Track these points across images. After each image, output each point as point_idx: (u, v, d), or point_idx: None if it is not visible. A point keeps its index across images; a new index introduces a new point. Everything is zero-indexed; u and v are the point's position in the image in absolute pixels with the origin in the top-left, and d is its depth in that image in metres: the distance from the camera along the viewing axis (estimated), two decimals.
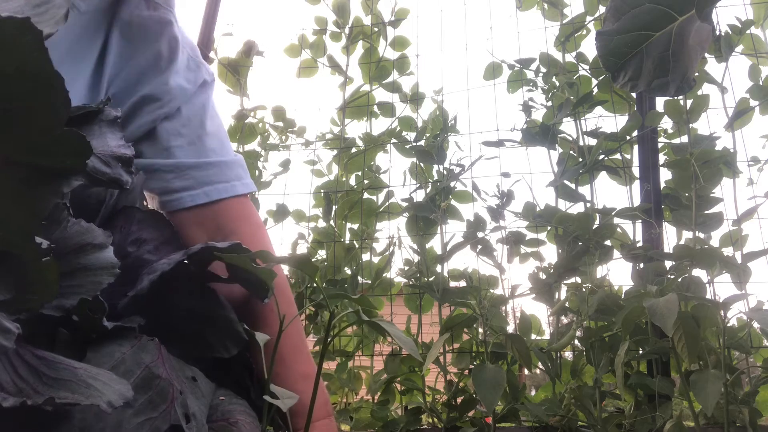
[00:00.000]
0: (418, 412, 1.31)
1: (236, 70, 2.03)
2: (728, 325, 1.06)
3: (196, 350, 0.80)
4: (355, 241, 1.66)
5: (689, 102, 1.38)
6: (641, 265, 1.24)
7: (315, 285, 1.50)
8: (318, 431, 0.82)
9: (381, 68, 1.96)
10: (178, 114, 0.89)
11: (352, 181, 1.81)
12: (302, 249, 1.67)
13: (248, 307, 0.87)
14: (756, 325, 1.17)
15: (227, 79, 1.97)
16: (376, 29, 2.01)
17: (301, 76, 2.02)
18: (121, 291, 0.74)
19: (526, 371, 1.41)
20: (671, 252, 1.18)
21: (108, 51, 0.86)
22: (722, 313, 1.04)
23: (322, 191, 1.76)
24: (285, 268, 1.06)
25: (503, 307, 1.36)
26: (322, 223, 1.75)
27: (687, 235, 1.31)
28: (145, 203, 0.92)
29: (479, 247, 1.45)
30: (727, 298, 1.02)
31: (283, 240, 1.79)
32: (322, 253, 1.71)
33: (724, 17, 1.50)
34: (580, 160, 1.46)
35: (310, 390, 0.72)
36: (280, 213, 1.69)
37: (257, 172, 1.77)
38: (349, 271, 1.62)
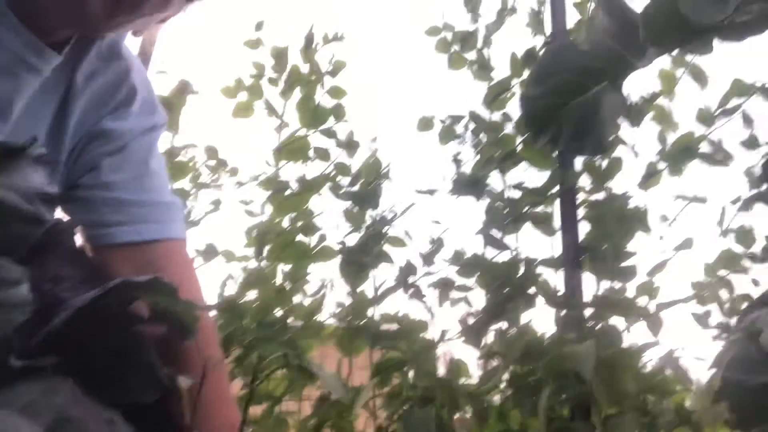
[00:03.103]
0: None
1: (169, 108, 2.00)
2: (645, 371, 1.13)
3: (114, 394, 0.76)
4: (286, 283, 1.64)
5: (605, 162, 1.49)
6: (563, 312, 1.30)
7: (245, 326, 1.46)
8: None
9: (317, 114, 1.99)
10: (122, 150, 0.91)
11: (285, 223, 1.80)
12: (231, 290, 1.63)
13: (171, 350, 0.84)
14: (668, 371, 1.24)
15: None
16: (313, 78, 2.05)
17: (236, 116, 2.02)
18: (35, 330, 0.70)
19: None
20: (590, 301, 1.25)
21: (69, 105, 0.87)
22: (639, 359, 1.10)
23: (254, 231, 1.74)
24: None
25: (434, 352, 1.38)
26: (252, 264, 1.72)
27: (605, 285, 1.39)
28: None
29: (410, 291, 1.47)
30: (640, 345, 1.09)
31: (212, 280, 1.74)
32: (252, 294, 1.67)
33: (637, 87, 1.66)
34: (506, 211, 1.53)
35: None
36: (209, 252, 1.65)
37: (186, 210, 1.73)
38: (279, 313, 1.59)
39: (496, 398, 1.35)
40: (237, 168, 1.97)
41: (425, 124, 1.84)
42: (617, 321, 1.27)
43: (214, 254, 1.66)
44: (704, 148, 1.61)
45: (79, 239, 0.91)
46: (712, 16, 0.62)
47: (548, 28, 1.83)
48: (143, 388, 0.79)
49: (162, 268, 0.87)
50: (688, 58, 1.76)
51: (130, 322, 0.81)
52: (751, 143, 1.57)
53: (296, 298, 1.63)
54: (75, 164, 0.88)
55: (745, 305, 1.34)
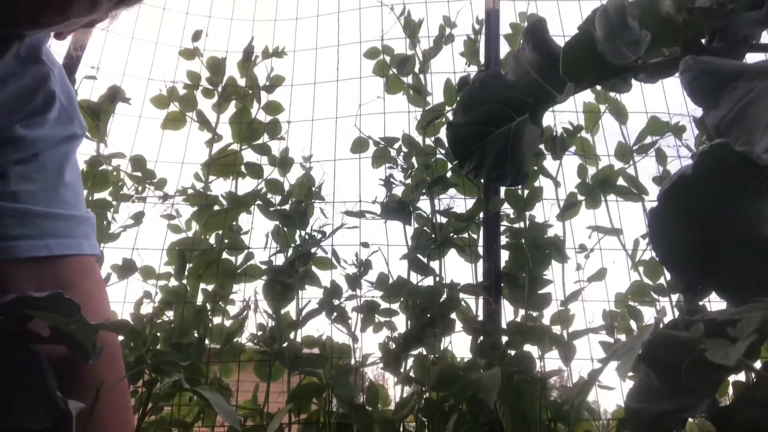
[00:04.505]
0: None
1: (96, 115, 1.93)
2: (554, 398, 1.15)
3: (3, 419, 0.71)
4: (207, 303, 1.59)
5: (527, 192, 1.54)
6: (480, 339, 1.32)
7: (158, 349, 1.40)
8: None
9: (252, 130, 1.96)
10: (34, 159, 0.85)
11: (212, 240, 1.75)
12: (147, 309, 1.57)
13: (71, 372, 0.80)
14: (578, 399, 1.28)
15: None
16: (250, 91, 2.02)
17: (167, 127, 1.96)
18: None
19: None
20: (505, 328, 1.28)
21: None
22: (547, 386, 1.13)
23: (177, 248, 1.68)
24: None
25: (354, 377, 1.36)
26: (174, 282, 1.66)
27: (522, 312, 1.42)
28: None
29: (334, 314, 1.45)
30: (546, 372, 1.12)
31: (128, 298, 1.66)
32: (170, 314, 1.61)
33: (561, 120, 1.73)
34: (433, 236, 1.55)
35: None
36: (126, 269, 1.58)
37: (105, 222, 1.66)
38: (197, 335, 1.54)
39: (413, 424, 1.36)
40: (164, 180, 1.91)
41: (360, 145, 1.84)
42: (534, 349, 1.30)
43: (132, 270, 1.59)
44: (621, 182, 1.69)
45: None
46: (626, 57, 0.66)
47: (483, 58, 1.88)
48: (36, 414, 0.74)
49: (70, 285, 0.83)
50: (612, 95, 1.86)
51: (26, 340, 0.76)
52: (663, 179, 1.66)
53: (217, 319, 1.58)
54: None
55: None
